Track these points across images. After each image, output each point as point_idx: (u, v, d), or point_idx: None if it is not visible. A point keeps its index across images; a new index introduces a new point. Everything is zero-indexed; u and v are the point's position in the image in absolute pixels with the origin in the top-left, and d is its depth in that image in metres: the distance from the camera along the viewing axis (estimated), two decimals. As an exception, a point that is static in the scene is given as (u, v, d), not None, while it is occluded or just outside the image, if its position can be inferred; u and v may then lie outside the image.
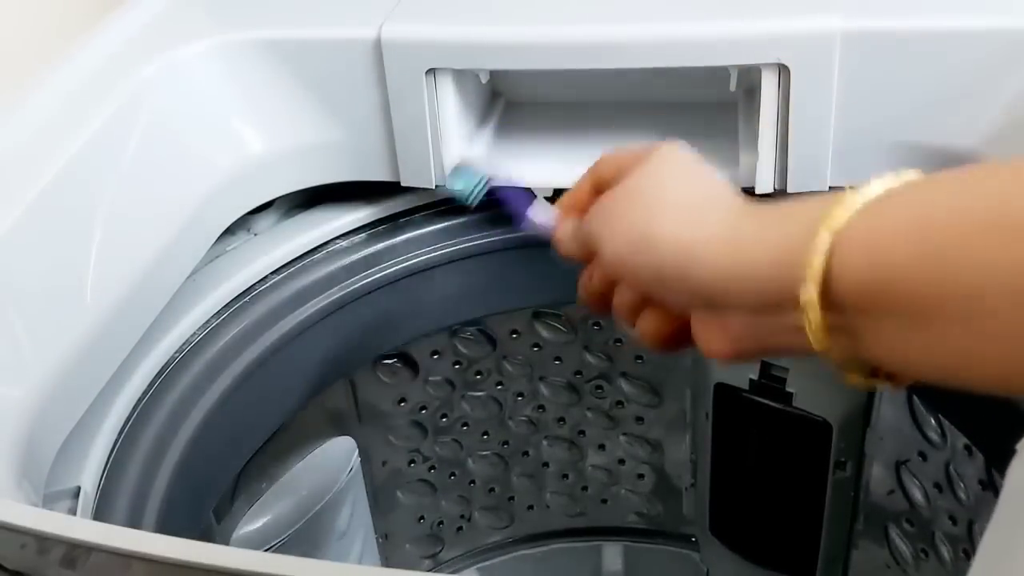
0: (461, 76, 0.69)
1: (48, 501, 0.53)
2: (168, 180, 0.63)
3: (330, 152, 0.71)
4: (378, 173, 0.71)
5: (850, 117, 0.64)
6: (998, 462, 0.70)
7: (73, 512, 0.53)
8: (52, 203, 0.55)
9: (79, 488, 0.55)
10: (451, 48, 0.66)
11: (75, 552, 0.37)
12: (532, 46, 0.65)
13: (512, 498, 1.05)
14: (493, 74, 0.73)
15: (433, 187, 0.71)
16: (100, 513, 0.57)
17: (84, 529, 0.38)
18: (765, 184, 0.67)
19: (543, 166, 0.72)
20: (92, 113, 0.60)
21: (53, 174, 0.56)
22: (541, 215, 0.59)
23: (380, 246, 0.77)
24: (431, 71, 0.66)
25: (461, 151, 0.71)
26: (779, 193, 0.67)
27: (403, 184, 0.71)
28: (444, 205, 0.77)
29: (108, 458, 0.59)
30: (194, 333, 0.68)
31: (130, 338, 0.60)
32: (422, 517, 1.03)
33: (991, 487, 0.73)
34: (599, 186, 0.52)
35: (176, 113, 0.65)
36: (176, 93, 0.66)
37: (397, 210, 0.78)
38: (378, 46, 0.66)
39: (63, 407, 0.54)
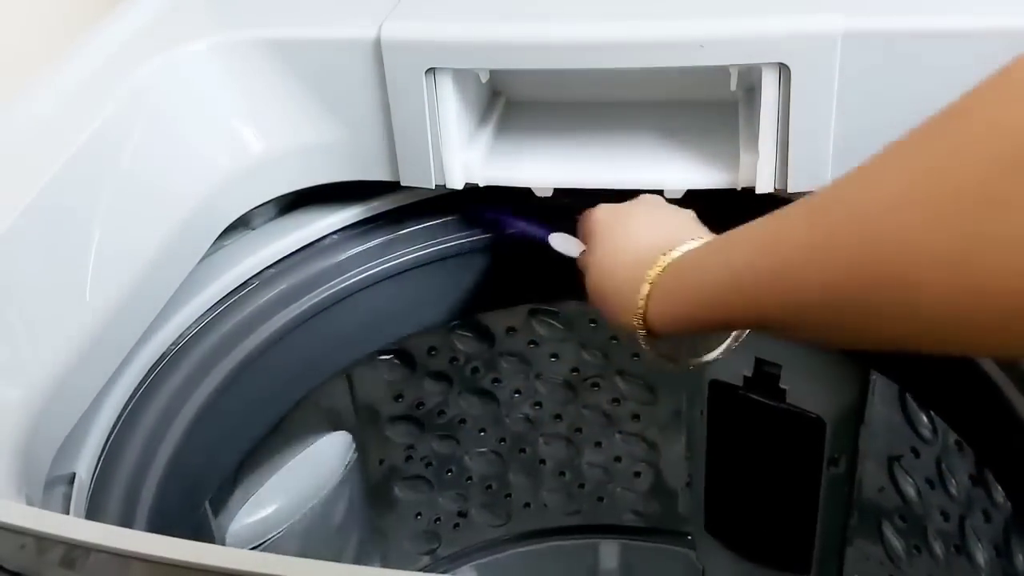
0: (461, 75, 0.68)
1: (44, 487, 0.53)
2: (168, 179, 0.62)
3: (330, 152, 0.71)
4: (378, 173, 0.71)
5: (850, 117, 0.64)
6: (989, 458, 0.70)
7: (68, 498, 0.53)
8: (52, 203, 0.55)
9: (74, 475, 0.55)
10: (451, 47, 0.66)
11: (74, 552, 0.37)
12: (532, 45, 0.65)
13: (509, 495, 1.05)
14: (493, 73, 0.73)
15: (432, 186, 0.71)
16: (95, 500, 0.57)
17: (84, 529, 0.38)
18: (765, 184, 0.67)
19: (543, 166, 0.72)
20: (92, 112, 0.60)
21: (53, 173, 0.56)
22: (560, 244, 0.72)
23: (377, 242, 0.77)
24: (431, 70, 0.66)
25: (461, 150, 0.71)
26: (779, 192, 0.68)
27: (403, 184, 0.71)
28: (441, 201, 0.77)
29: (104, 446, 0.59)
30: (191, 326, 0.69)
31: (129, 338, 0.60)
32: (419, 514, 1.03)
33: (982, 483, 0.74)
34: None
35: (176, 112, 0.65)
36: (176, 92, 0.66)
37: (394, 206, 0.78)
38: (378, 46, 0.66)
39: (63, 407, 0.54)
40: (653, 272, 0.54)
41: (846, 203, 0.39)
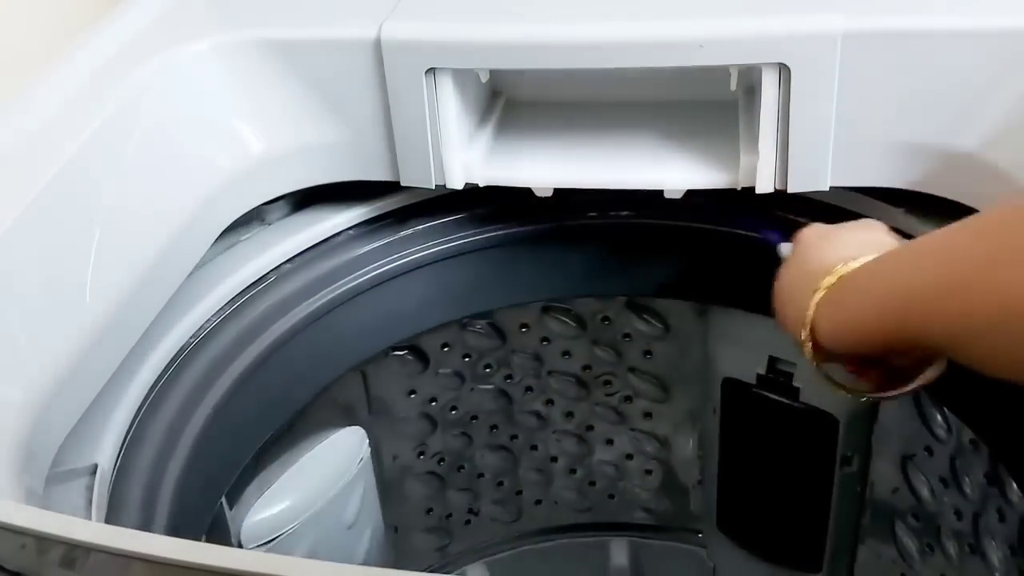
0: (461, 75, 0.68)
1: (66, 478, 0.54)
2: (168, 180, 0.63)
3: (330, 152, 0.71)
4: (378, 173, 0.72)
5: (850, 117, 0.63)
6: (1004, 456, 0.70)
7: (90, 489, 0.54)
8: (52, 203, 0.55)
9: (96, 466, 0.55)
10: (451, 47, 0.66)
11: (74, 552, 0.37)
12: (532, 45, 0.65)
13: (520, 492, 1.05)
14: (493, 73, 0.73)
15: (432, 186, 0.71)
16: (116, 491, 0.57)
17: (84, 529, 0.38)
18: (765, 184, 0.67)
19: (543, 166, 0.72)
20: (92, 113, 0.60)
21: (53, 173, 0.56)
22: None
23: (392, 238, 0.77)
24: (431, 71, 0.66)
25: (461, 150, 0.71)
26: (779, 192, 0.67)
27: (403, 184, 0.71)
28: (457, 198, 0.77)
29: (125, 438, 0.60)
30: (208, 320, 0.69)
31: (129, 338, 0.60)
32: (430, 509, 1.03)
33: (996, 481, 0.73)
34: None
35: (176, 113, 0.66)
36: (176, 93, 0.66)
37: (409, 202, 0.78)
38: (378, 46, 0.66)
39: (63, 407, 0.54)
40: (825, 281, 0.53)
41: None
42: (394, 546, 1.02)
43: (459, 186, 0.71)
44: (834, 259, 0.54)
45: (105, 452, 0.57)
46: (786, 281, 0.59)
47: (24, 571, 0.37)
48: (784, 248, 0.68)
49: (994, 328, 0.38)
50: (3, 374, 0.51)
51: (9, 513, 0.40)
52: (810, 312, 0.53)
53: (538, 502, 1.06)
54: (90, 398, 0.57)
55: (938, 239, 0.44)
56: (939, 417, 0.79)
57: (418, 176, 0.70)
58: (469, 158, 0.71)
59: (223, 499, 0.75)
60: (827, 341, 0.53)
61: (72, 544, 0.38)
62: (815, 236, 0.61)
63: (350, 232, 0.77)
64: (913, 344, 0.48)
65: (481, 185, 0.72)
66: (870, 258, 0.52)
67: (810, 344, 0.54)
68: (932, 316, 0.42)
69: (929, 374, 0.56)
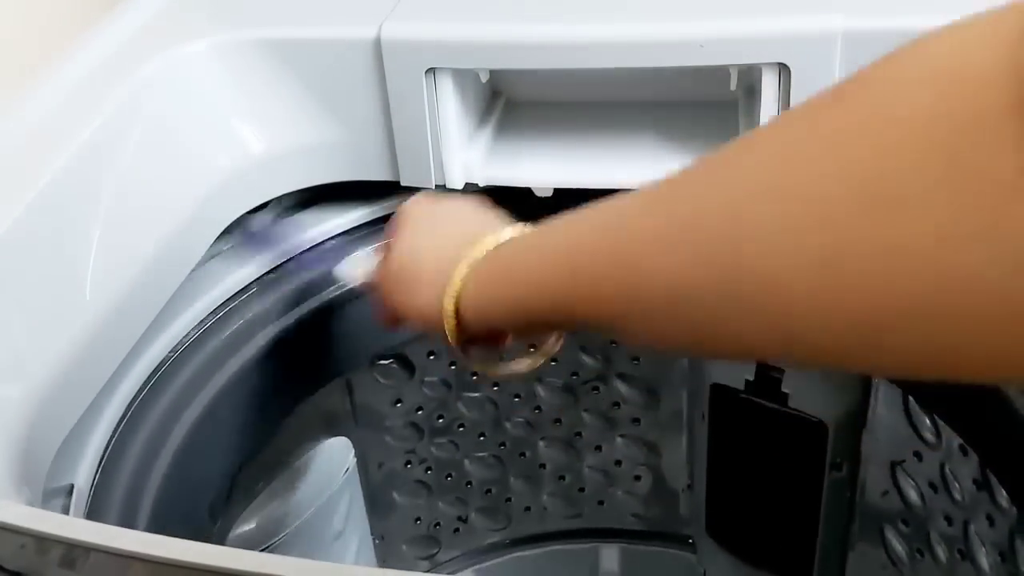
0: (461, 76, 0.69)
1: (42, 499, 0.53)
2: (167, 180, 0.63)
3: (330, 152, 0.71)
4: (378, 173, 0.72)
5: (850, 117, 0.64)
6: (993, 462, 0.70)
7: (66, 510, 0.53)
8: (51, 203, 0.55)
9: (72, 486, 0.55)
10: (451, 47, 0.66)
11: (74, 552, 0.37)
12: (532, 45, 0.66)
13: (509, 499, 1.05)
14: (493, 73, 0.73)
15: (433, 187, 0.71)
16: (94, 511, 0.57)
17: (83, 529, 0.38)
18: (765, 184, 0.67)
19: (543, 166, 0.73)
20: (91, 113, 0.60)
21: (52, 173, 0.56)
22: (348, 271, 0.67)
23: (377, 245, 0.77)
24: (431, 71, 0.67)
25: (461, 150, 0.71)
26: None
27: (403, 184, 0.71)
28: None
29: (102, 456, 0.59)
30: (188, 332, 0.68)
31: (129, 338, 0.60)
32: (419, 518, 1.03)
33: (986, 487, 0.73)
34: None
35: (176, 113, 0.65)
36: (176, 93, 0.66)
37: (390, 211, 0.77)
38: (378, 46, 0.66)
39: (62, 407, 0.54)
40: (477, 249, 0.48)
41: (703, 187, 0.35)
42: (382, 556, 1.01)
43: (459, 186, 0.71)
44: (474, 229, 0.50)
45: (82, 471, 0.57)
46: (415, 251, 0.53)
47: (24, 571, 0.37)
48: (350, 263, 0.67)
49: (666, 299, 0.35)
50: (3, 374, 0.50)
51: (9, 513, 0.39)
52: (458, 284, 0.48)
53: (527, 509, 1.06)
54: (89, 399, 0.56)
55: (606, 208, 0.40)
56: (928, 422, 0.79)
57: (418, 176, 0.70)
58: (469, 158, 0.71)
59: (206, 513, 0.74)
60: (475, 317, 0.48)
61: (72, 544, 0.37)
62: (431, 205, 0.56)
63: (333, 241, 0.77)
64: (580, 317, 0.43)
65: (481, 185, 0.72)
66: (517, 229, 0.49)
67: (454, 322, 0.49)
68: (601, 286, 0.39)
69: (550, 347, 0.58)
